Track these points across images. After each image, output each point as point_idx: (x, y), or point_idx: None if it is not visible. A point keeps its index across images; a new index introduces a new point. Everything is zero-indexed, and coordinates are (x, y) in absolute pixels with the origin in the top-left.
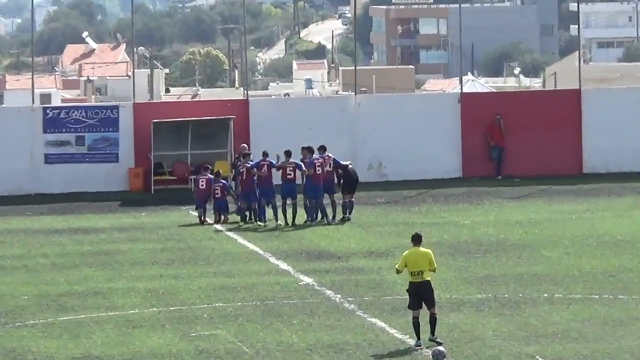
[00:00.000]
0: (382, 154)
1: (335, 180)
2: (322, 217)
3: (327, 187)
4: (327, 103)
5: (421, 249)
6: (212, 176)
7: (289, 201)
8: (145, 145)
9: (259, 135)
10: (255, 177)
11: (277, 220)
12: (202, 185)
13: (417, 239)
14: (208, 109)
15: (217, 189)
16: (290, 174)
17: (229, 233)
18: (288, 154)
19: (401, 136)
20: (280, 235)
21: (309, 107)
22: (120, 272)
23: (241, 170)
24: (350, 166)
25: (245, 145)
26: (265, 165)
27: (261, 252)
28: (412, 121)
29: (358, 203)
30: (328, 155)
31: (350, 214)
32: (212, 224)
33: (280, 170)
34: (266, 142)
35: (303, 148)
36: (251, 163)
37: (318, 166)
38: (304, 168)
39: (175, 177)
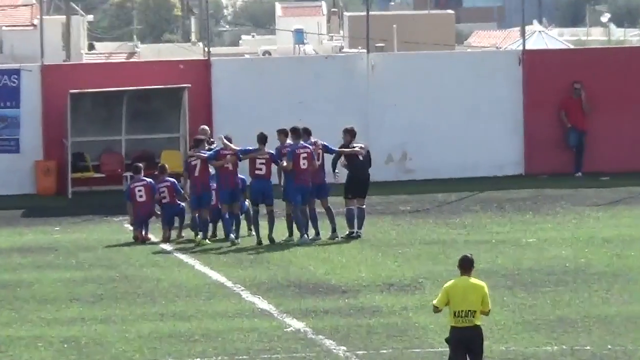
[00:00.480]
0: (407, 141)
1: (334, 175)
2: (316, 234)
3: (318, 188)
4: (327, 65)
5: (472, 279)
6: (151, 181)
7: (262, 208)
8: (58, 128)
9: (225, 113)
10: (213, 173)
11: (256, 237)
12: (141, 197)
13: (466, 265)
14: (151, 75)
15: (163, 191)
16: (261, 169)
17: (182, 256)
18: (262, 139)
19: (434, 114)
20: (257, 260)
21: (300, 71)
22: (23, 314)
23: (193, 162)
24: (360, 150)
25: (206, 128)
26: (228, 155)
27: (230, 284)
28: (450, 92)
29: (371, 212)
30: (315, 143)
31: (360, 228)
32: (157, 243)
33: (249, 163)
34: (237, 123)
35: (279, 131)
36: (207, 152)
37: (303, 158)
38: (282, 162)
39: (104, 175)
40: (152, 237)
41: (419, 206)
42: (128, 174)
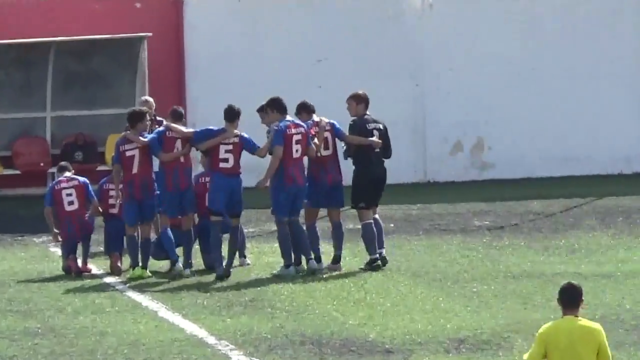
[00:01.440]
0: (483, 121)
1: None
2: (307, 260)
3: (330, 190)
4: (357, 4)
5: (581, 321)
6: (85, 180)
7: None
8: None
9: (204, 77)
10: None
11: (217, 265)
12: (72, 204)
13: (571, 298)
14: (92, 18)
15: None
16: (227, 159)
17: (138, 297)
18: (231, 115)
19: (525, 82)
20: (254, 303)
21: (317, 13)
22: None
23: (129, 153)
24: (378, 141)
25: (150, 99)
26: (178, 141)
27: (212, 340)
28: (550, 47)
29: (429, 229)
30: (316, 122)
31: (382, 247)
32: (101, 276)
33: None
34: (221, 92)
35: (271, 104)
36: (149, 136)
37: (297, 142)
38: (259, 146)
39: (18, 171)
40: (93, 268)
41: (502, 220)
42: (55, 169)
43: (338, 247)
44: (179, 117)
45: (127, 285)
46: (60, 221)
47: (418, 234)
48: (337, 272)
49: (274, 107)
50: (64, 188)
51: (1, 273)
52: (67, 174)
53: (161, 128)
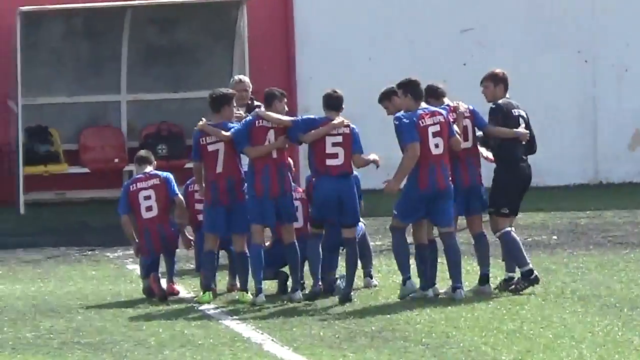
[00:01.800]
0: None
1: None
2: (430, 284)
3: (468, 193)
4: None
5: None
6: (168, 176)
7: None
8: None
9: (318, 56)
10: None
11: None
12: (150, 210)
13: None
14: None
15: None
16: (336, 155)
17: (232, 323)
18: (331, 103)
19: None
20: (383, 333)
21: None
22: None
23: (211, 147)
24: (526, 132)
25: (245, 79)
26: (270, 131)
27: None
28: None
29: (600, 242)
30: (451, 107)
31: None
32: (188, 299)
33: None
34: (339, 75)
35: (387, 95)
36: (235, 126)
37: (435, 134)
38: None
39: (87, 168)
40: (181, 290)
41: None
42: (132, 166)
43: (484, 264)
44: (271, 100)
45: (224, 311)
46: (138, 232)
47: (588, 248)
48: (484, 296)
49: (408, 91)
50: (141, 189)
51: (67, 296)
52: (148, 168)
53: (249, 117)
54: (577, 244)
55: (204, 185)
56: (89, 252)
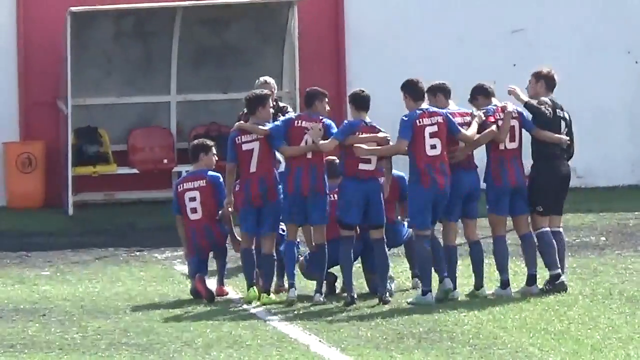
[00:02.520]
0: None
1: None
2: (448, 284)
3: (515, 193)
4: None
5: None
6: (216, 176)
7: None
8: (48, 81)
9: (369, 55)
10: (281, 167)
11: (347, 292)
12: (195, 212)
13: None
14: None
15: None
16: (369, 160)
17: (280, 324)
18: (359, 103)
19: None
20: (433, 334)
21: None
22: None
23: (246, 146)
24: (565, 139)
25: (270, 80)
26: (309, 130)
27: None
28: None
29: None
30: (500, 107)
31: (563, 267)
32: (236, 300)
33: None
34: (390, 74)
35: (434, 88)
36: (272, 125)
37: (432, 135)
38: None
39: (136, 169)
40: (230, 291)
41: None
42: (183, 168)
43: (531, 264)
44: (312, 100)
45: (272, 312)
46: (186, 232)
47: (636, 249)
48: (531, 296)
49: (406, 92)
50: (188, 190)
51: (115, 297)
52: (204, 160)
53: (290, 115)
54: (625, 245)
55: (237, 184)
56: (137, 253)
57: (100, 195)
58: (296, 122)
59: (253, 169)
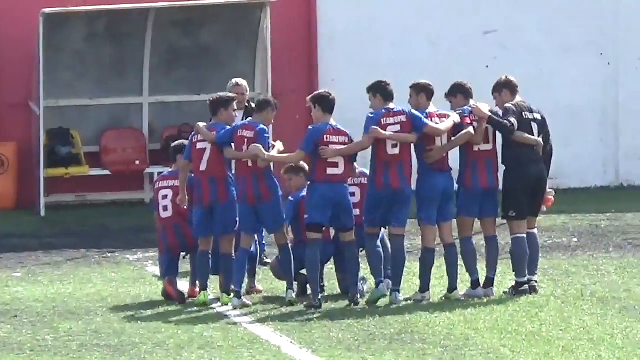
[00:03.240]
0: None
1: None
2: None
3: (480, 194)
4: None
5: None
6: (190, 176)
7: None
8: (20, 83)
9: (342, 58)
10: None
11: (312, 294)
12: (166, 210)
13: None
14: None
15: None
16: (336, 164)
17: (251, 326)
18: (325, 105)
19: None
20: (402, 335)
21: None
22: None
23: (200, 145)
24: (538, 141)
25: (242, 82)
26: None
27: None
28: None
29: (623, 245)
30: (473, 108)
31: (535, 272)
32: (197, 305)
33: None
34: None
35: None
36: (221, 128)
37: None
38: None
39: (108, 171)
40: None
41: None
42: (155, 169)
43: (491, 268)
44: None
45: (243, 314)
46: (157, 229)
47: (607, 250)
48: (490, 298)
49: (377, 92)
50: (162, 188)
51: (87, 298)
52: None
53: (237, 123)
54: (597, 246)
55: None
56: (109, 255)
57: (73, 197)
58: (240, 130)
59: (203, 167)
